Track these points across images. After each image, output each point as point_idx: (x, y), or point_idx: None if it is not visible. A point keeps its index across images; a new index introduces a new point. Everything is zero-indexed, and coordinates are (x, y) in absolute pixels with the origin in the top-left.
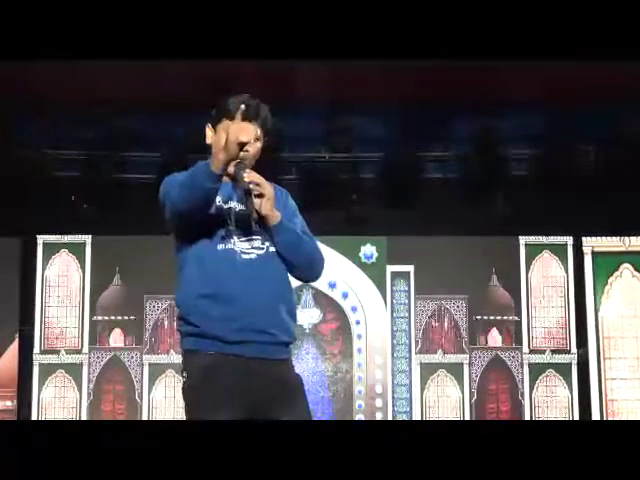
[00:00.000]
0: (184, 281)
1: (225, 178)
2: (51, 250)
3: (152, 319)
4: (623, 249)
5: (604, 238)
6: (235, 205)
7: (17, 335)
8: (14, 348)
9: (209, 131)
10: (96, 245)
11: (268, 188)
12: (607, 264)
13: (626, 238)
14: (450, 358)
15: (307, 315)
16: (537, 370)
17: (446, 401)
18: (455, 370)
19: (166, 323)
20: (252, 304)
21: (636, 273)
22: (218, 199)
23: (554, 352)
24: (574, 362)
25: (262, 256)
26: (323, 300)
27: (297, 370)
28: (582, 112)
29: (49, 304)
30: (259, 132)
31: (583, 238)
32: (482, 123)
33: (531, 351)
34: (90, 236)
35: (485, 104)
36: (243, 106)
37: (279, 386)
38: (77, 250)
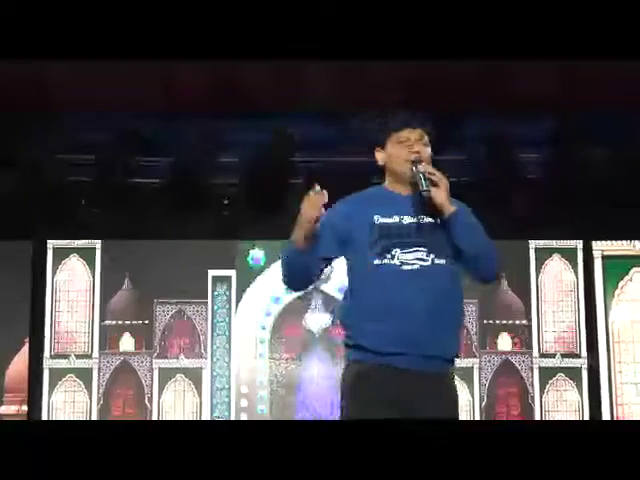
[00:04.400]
0: (345, 296)
1: (393, 190)
2: (61, 255)
3: (162, 323)
4: (633, 253)
5: (614, 242)
6: (404, 218)
7: (27, 339)
8: (24, 352)
9: (379, 153)
10: (106, 250)
11: (443, 179)
12: (617, 268)
13: (636, 242)
14: (460, 362)
15: (317, 319)
16: (547, 374)
17: None
18: (465, 374)
19: (176, 328)
20: (407, 316)
21: None
22: (377, 217)
23: (564, 356)
24: (584, 366)
25: (426, 268)
26: (333, 304)
27: (309, 374)
28: (593, 115)
29: (59, 309)
30: (426, 138)
31: (593, 242)
32: (492, 126)
33: (541, 355)
34: (100, 241)
35: (496, 107)
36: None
37: (429, 400)
38: (87, 255)
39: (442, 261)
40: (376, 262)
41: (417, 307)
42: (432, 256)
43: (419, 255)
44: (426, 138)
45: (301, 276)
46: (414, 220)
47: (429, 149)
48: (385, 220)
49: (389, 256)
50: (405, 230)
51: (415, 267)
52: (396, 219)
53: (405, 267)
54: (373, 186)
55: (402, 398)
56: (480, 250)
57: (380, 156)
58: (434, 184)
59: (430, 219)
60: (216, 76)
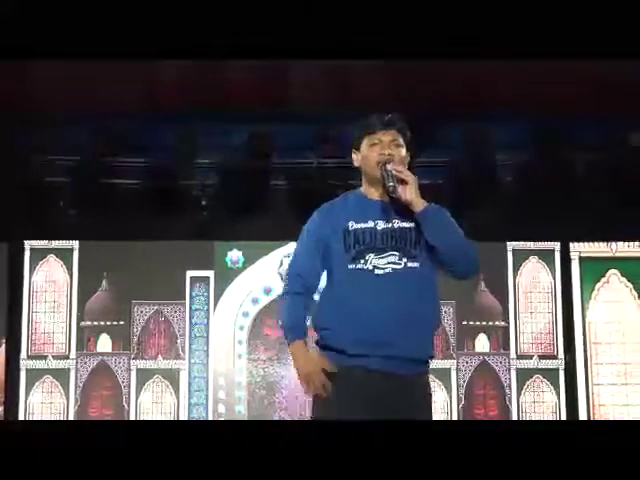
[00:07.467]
0: (320, 299)
1: (368, 195)
2: (38, 255)
3: (140, 324)
4: (610, 255)
5: (591, 244)
6: (378, 223)
7: (4, 340)
8: (1, 353)
9: (355, 155)
10: (84, 250)
11: (412, 177)
12: (594, 270)
13: (613, 244)
14: (438, 363)
15: None
16: (524, 375)
17: (434, 406)
18: (443, 375)
19: (153, 328)
20: (379, 319)
21: (623, 279)
22: (351, 223)
23: (541, 357)
24: (561, 367)
25: (398, 271)
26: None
27: (287, 375)
28: (569, 119)
29: (36, 309)
30: (401, 139)
31: (570, 244)
32: (470, 129)
33: (518, 356)
34: (78, 241)
35: (473, 110)
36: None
37: (400, 401)
38: (65, 255)
39: (415, 264)
40: (350, 267)
41: (389, 310)
42: (405, 260)
43: (392, 259)
44: (400, 139)
45: None
46: (388, 225)
47: (403, 150)
48: (359, 226)
49: (363, 261)
50: (379, 235)
51: (387, 271)
52: (370, 224)
53: (378, 271)
54: (350, 190)
55: (372, 399)
56: (454, 246)
57: (356, 157)
58: (402, 182)
59: (404, 223)
60: (195, 77)
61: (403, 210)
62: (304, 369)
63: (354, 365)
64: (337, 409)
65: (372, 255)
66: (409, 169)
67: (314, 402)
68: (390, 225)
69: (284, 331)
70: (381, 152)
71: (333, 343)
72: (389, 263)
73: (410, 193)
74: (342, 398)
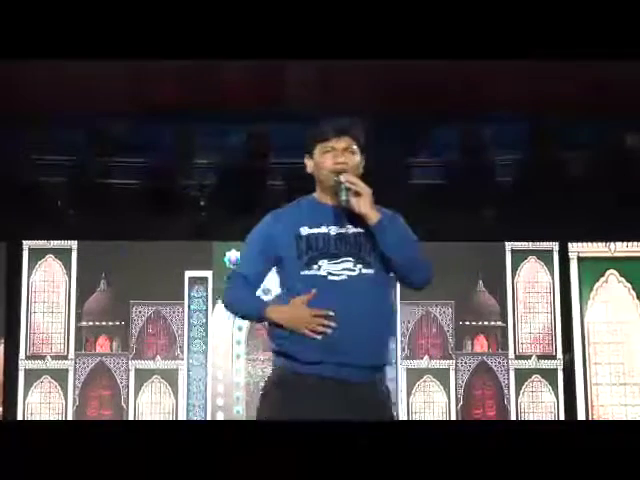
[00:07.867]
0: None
1: (321, 200)
2: (37, 255)
3: (138, 325)
4: (609, 255)
5: (590, 244)
6: (331, 229)
7: (2, 340)
8: None
9: (308, 161)
10: (82, 250)
11: (366, 188)
12: (593, 270)
13: (612, 244)
14: (436, 364)
15: None
16: (523, 375)
17: (432, 406)
18: (441, 376)
19: (152, 329)
20: (331, 324)
21: (621, 279)
22: (304, 228)
23: (540, 358)
24: (560, 367)
25: (353, 278)
26: None
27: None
28: (568, 118)
29: (35, 310)
30: (354, 146)
31: (569, 244)
32: (468, 128)
33: (517, 357)
34: (76, 241)
35: (473, 110)
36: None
37: (353, 408)
38: (63, 255)
39: (370, 271)
40: (303, 273)
41: (342, 317)
42: (360, 266)
43: (346, 265)
44: (354, 146)
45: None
46: (342, 230)
47: (357, 156)
48: (312, 231)
49: (316, 267)
50: (332, 241)
51: (342, 277)
52: (324, 230)
53: (331, 277)
54: (304, 196)
55: (326, 406)
56: (409, 257)
57: (309, 164)
58: (356, 194)
59: (358, 229)
60: (193, 77)
61: (358, 216)
62: (292, 318)
63: (308, 373)
64: (289, 416)
65: (325, 261)
66: (362, 177)
67: (260, 404)
68: (344, 231)
69: (244, 312)
70: (334, 160)
71: (287, 350)
72: (344, 269)
73: (365, 206)
74: (295, 405)
